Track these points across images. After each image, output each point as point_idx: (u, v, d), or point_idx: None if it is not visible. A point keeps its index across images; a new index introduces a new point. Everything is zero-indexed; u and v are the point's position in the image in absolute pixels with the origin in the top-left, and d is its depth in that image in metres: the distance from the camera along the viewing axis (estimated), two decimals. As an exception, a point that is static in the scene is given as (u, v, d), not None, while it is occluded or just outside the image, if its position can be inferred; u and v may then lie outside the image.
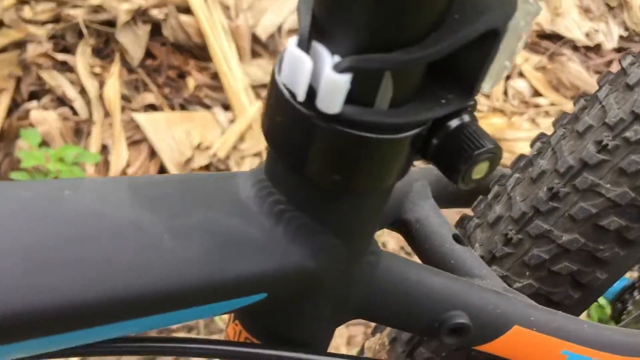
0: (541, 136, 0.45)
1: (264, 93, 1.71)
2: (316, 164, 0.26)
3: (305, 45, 0.23)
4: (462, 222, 0.47)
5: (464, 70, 0.25)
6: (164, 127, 1.60)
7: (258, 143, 1.57)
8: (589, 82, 1.73)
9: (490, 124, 1.62)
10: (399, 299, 0.33)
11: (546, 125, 1.57)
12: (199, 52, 1.82)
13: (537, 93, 1.75)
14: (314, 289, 0.30)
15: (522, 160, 0.44)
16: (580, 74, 1.79)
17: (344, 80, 0.22)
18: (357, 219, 0.29)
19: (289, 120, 0.25)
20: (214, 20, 1.80)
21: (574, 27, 1.87)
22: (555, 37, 1.88)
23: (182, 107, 1.70)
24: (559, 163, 0.41)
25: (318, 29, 0.23)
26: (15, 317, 0.23)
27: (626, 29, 1.92)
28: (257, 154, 1.57)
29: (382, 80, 0.23)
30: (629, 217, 0.39)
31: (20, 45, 1.76)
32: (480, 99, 1.71)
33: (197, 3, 1.81)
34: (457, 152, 0.26)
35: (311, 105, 0.24)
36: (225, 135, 1.58)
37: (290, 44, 0.23)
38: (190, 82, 1.77)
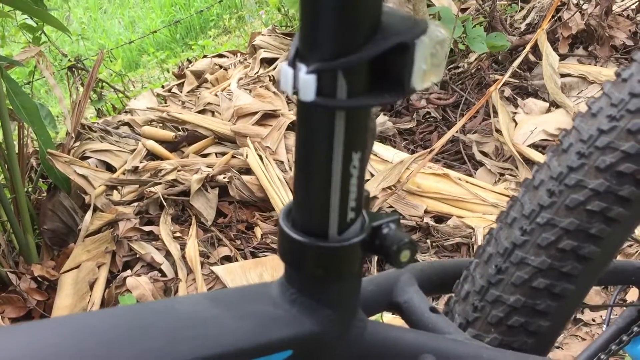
0: (491, 231, 0.62)
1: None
2: (309, 266, 0.44)
3: (292, 63, 0.39)
4: (448, 301, 0.62)
5: (394, 73, 0.38)
6: (239, 275, 1.74)
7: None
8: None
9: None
10: (384, 350, 0.48)
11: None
12: (262, 205, 2.02)
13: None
14: (322, 347, 0.46)
15: (480, 250, 0.60)
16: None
17: (313, 78, 0.37)
18: (341, 296, 0.46)
19: (292, 246, 0.44)
20: (271, 175, 2.00)
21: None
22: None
23: (253, 255, 1.86)
24: (499, 247, 0.57)
25: (300, 53, 0.38)
26: None
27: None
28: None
29: (337, 77, 0.38)
30: (551, 277, 0.55)
31: (112, 224, 1.97)
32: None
33: (255, 164, 2.03)
34: (389, 247, 0.44)
35: (302, 233, 0.42)
36: (292, 273, 1.75)
37: (283, 64, 0.40)
38: (258, 232, 1.94)
